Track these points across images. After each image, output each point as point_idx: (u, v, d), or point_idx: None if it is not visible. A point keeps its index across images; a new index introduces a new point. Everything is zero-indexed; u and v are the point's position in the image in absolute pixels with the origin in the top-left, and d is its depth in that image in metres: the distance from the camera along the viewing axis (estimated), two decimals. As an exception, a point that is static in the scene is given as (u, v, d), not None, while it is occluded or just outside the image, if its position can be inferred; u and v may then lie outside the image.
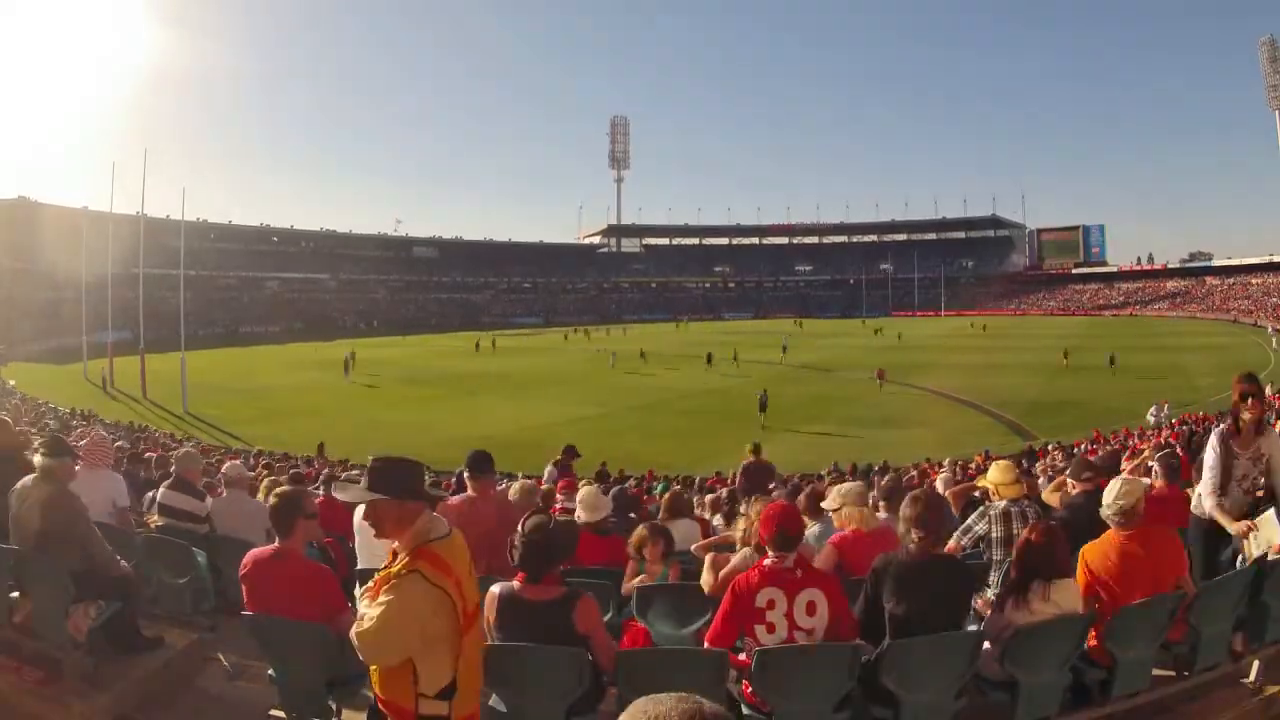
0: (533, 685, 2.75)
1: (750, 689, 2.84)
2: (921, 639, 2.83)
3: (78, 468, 5.28)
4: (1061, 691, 3.08)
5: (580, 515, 4.73)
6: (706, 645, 2.94)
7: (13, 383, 32.07)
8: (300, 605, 3.07)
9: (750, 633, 2.84)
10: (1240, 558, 4.31)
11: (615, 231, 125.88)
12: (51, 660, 3.50)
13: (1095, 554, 3.30)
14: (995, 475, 4.43)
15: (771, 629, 2.80)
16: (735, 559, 3.66)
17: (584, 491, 4.86)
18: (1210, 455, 4.16)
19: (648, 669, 2.86)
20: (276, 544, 3.20)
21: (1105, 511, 3.31)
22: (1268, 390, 5.21)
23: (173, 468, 5.91)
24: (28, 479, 3.90)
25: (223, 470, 5.76)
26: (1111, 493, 3.31)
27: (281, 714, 3.23)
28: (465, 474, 4.31)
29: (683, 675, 2.81)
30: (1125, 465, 6.70)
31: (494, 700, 2.88)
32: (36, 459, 3.98)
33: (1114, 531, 3.30)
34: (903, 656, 2.82)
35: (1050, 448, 17.85)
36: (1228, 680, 3.46)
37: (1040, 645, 2.99)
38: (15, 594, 4.09)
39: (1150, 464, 5.65)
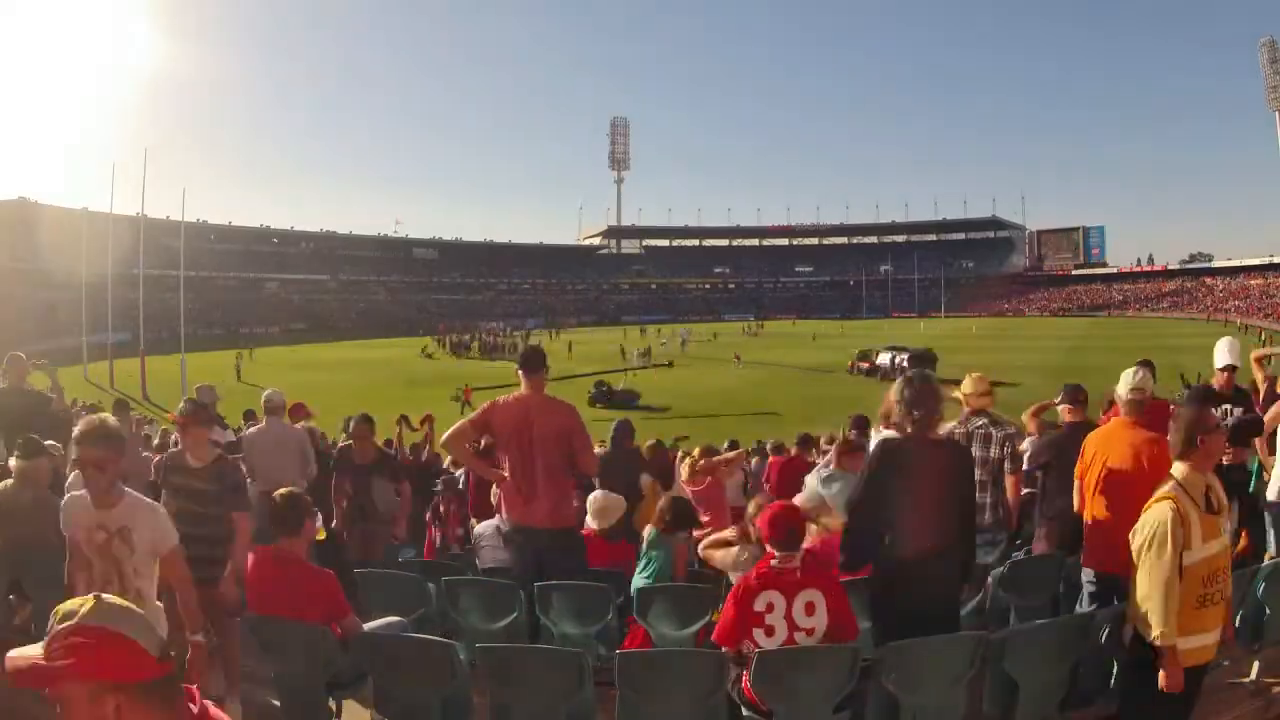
0: (532, 686, 2.75)
1: (750, 687, 2.84)
2: (921, 640, 2.82)
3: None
4: (1062, 692, 3.08)
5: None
6: (714, 639, 2.92)
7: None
8: (302, 608, 3.07)
9: (749, 636, 2.83)
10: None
11: (615, 233, 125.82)
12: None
13: (1103, 441, 3.44)
14: (967, 386, 4.42)
15: (770, 632, 2.79)
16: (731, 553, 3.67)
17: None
18: None
19: (647, 669, 2.85)
20: (278, 545, 3.20)
21: (1120, 392, 3.49)
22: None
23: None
24: (6, 483, 3.86)
25: (264, 396, 6.03)
26: (1128, 378, 3.49)
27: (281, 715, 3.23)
28: (519, 370, 4.20)
29: (682, 675, 2.80)
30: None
31: (493, 700, 2.89)
32: (12, 462, 3.94)
33: (1120, 422, 3.46)
34: (903, 656, 2.82)
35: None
36: (1228, 680, 3.46)
37: (1041, 644, 2.99)
38: (13, 596, 4.10)
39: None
